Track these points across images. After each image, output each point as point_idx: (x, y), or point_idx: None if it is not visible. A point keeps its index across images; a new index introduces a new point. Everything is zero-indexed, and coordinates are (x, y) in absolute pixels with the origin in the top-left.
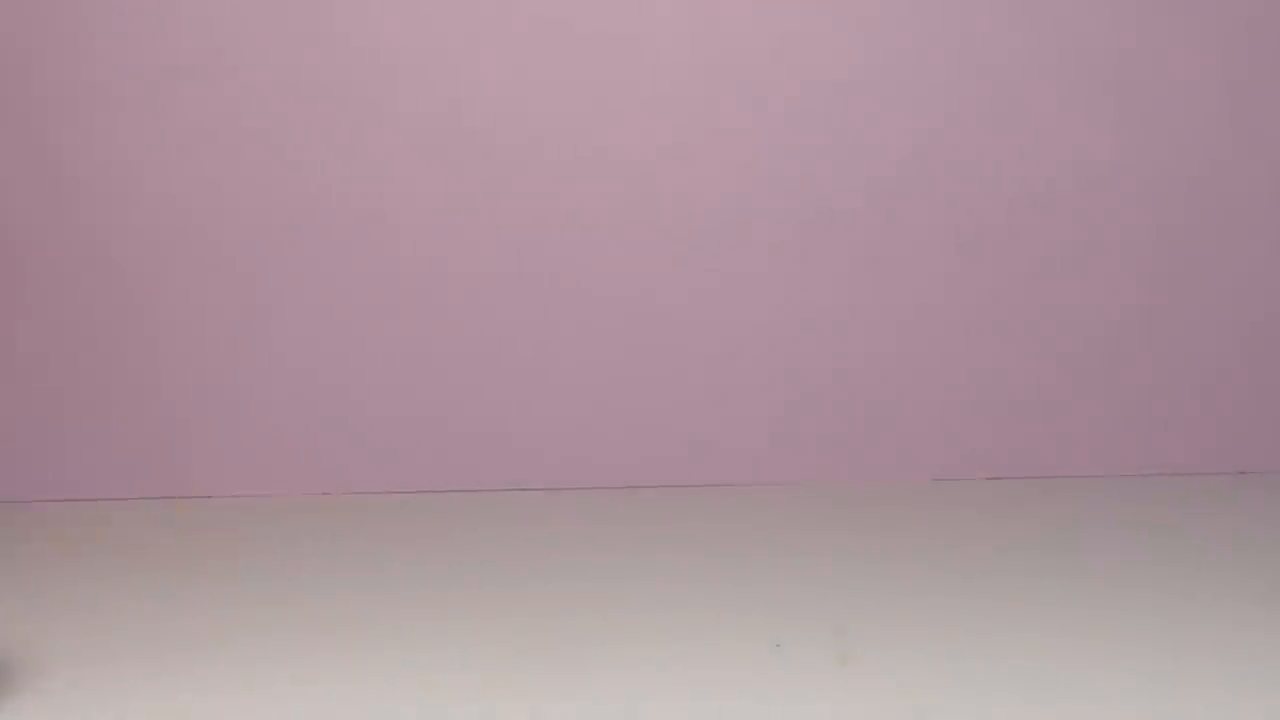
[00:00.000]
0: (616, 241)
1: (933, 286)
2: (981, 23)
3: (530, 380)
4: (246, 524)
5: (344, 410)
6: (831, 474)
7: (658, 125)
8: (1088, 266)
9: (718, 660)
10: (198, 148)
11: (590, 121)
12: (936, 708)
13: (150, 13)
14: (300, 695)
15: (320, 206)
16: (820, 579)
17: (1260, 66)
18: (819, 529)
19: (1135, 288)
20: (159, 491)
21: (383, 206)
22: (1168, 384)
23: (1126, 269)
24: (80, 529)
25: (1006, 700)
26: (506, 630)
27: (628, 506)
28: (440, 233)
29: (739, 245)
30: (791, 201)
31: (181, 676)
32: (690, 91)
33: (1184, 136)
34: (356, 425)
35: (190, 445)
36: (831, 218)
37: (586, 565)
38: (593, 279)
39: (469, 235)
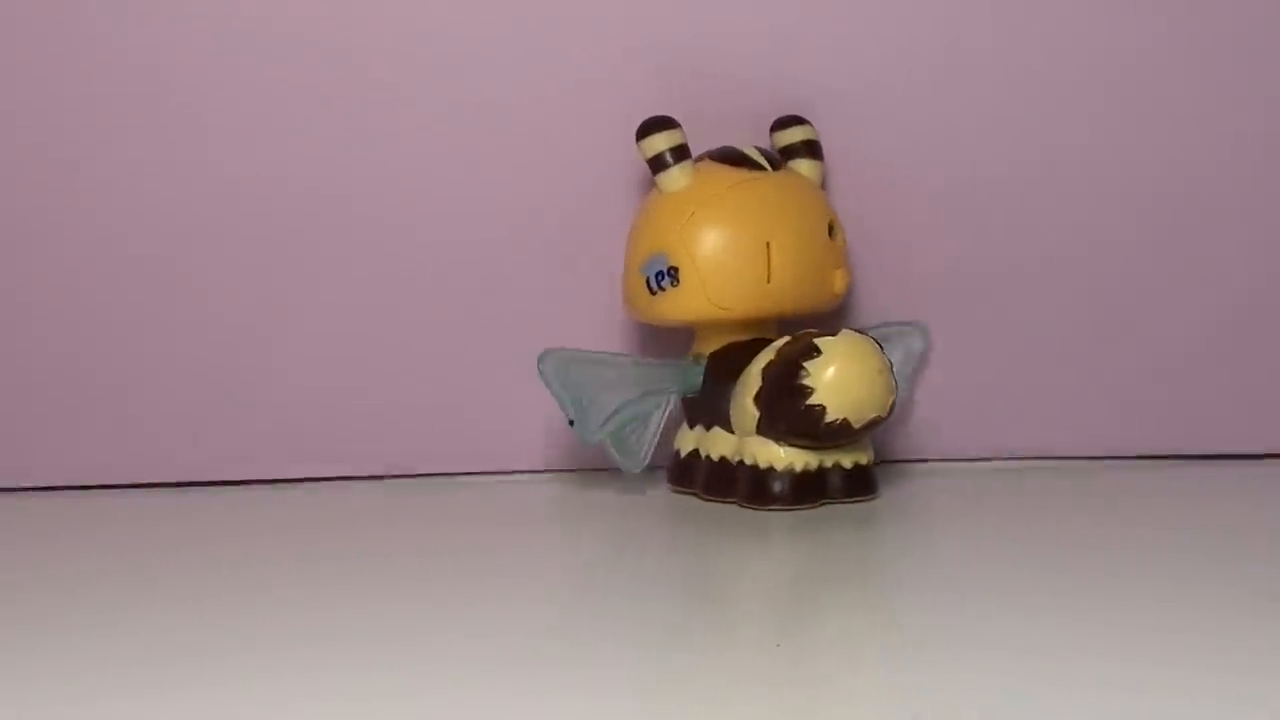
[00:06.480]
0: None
1: (932, 283)
2: (974, 21)
3: (530, 376)
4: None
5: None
6: None
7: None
8: (1086, 263)
9: (717, 660)
10: (195, 146)
11: (591, 117)
12: (933, 709)
13: (157, 6)
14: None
15: (324, 202)
16: (819, 575)
17: (1255, 56)
18: (817, 522)
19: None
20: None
21: (386, 203)
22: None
23: (1126, 265)
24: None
25: (1006, 701)
26: (498, 630)
27: (630, 504)
28: (443, 231)
29: None
30: None
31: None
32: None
33: (1179, 132)
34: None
35: (187, 433)
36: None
37: (585, 563)
38: (592, 279)
39: (472, 233)
